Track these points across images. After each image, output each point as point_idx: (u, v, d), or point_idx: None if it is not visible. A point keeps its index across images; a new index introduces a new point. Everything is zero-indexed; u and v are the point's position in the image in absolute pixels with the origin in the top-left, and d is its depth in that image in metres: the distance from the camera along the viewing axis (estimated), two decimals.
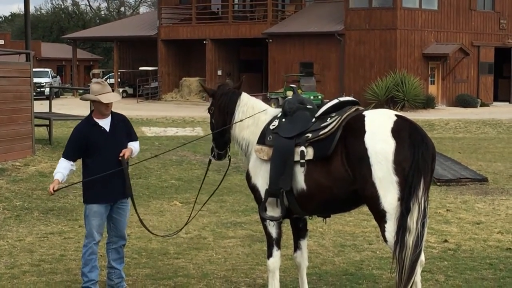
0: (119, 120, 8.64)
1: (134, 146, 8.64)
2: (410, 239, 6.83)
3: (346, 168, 7.13)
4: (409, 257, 6.82)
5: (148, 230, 9.05)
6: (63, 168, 8.44)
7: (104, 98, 8.41)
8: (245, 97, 8.16)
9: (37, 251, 10.68)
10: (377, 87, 43.09)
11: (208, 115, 8.45)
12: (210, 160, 8.48)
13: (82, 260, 8.57)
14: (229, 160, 8.45)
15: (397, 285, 6.91)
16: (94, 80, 8.73)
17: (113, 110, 8.68)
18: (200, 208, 9.32)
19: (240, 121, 7.97)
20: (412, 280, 6.82)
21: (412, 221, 6.84)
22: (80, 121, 9.04)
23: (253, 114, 7.99)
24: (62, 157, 8.54)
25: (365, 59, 45.82)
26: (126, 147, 8.52)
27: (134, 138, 8.74)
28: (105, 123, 8.52)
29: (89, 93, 8.61)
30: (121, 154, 8.41)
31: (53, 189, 8.31)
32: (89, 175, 8.45)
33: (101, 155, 8.40)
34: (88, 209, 8.51)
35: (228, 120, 8.12)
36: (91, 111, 8.77)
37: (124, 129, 8.62)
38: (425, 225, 6.90)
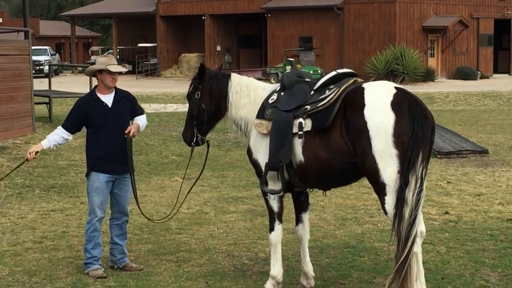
0: (123, 96, 8.65)
1: (140, 120, 8.65)
2: (407, 211, 6.86)
3: (345, 141, 7.13)
4: (405, 229, 6.85)
5: (143, 214, 9.02)
6: (54, 134, 8.56)
7: (113, 68, 8.48)
8: (235, 78, 8.02)
9: (39, 228, 10.71)
10: (377, 60, 43.00)
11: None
12: (193, 148, 8.23)
13: (85, 236, 8.62)
14: (208, 144, 8.27)
15: (396, 256, 6.94)
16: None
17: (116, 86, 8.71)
18: (190, 188, 9.27)
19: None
20: (407, 250, 6.84)
21: (410, 193, 6.86)
22: (81, 97, 9.04)
23: (249, 93, 7.92)
24: (60, 126, 8.64)
25: (364, 33, 45.69)
26: (128, 123, 8.54)
27: (139, 112, 8.73)
28: (107, 99, 8.53)
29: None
30: (126, 131, 8.44)
31: (31, 153, 8.41)
32: (92, 150, 8.49)
33: (102, 130, 8.42)
34: (90, 185, 8.55)
35: (222, 104, 7.98)
36: (94, 87, 8.75)
37: (127, 105, 8.62)
38: (421, 196, 6.93)
